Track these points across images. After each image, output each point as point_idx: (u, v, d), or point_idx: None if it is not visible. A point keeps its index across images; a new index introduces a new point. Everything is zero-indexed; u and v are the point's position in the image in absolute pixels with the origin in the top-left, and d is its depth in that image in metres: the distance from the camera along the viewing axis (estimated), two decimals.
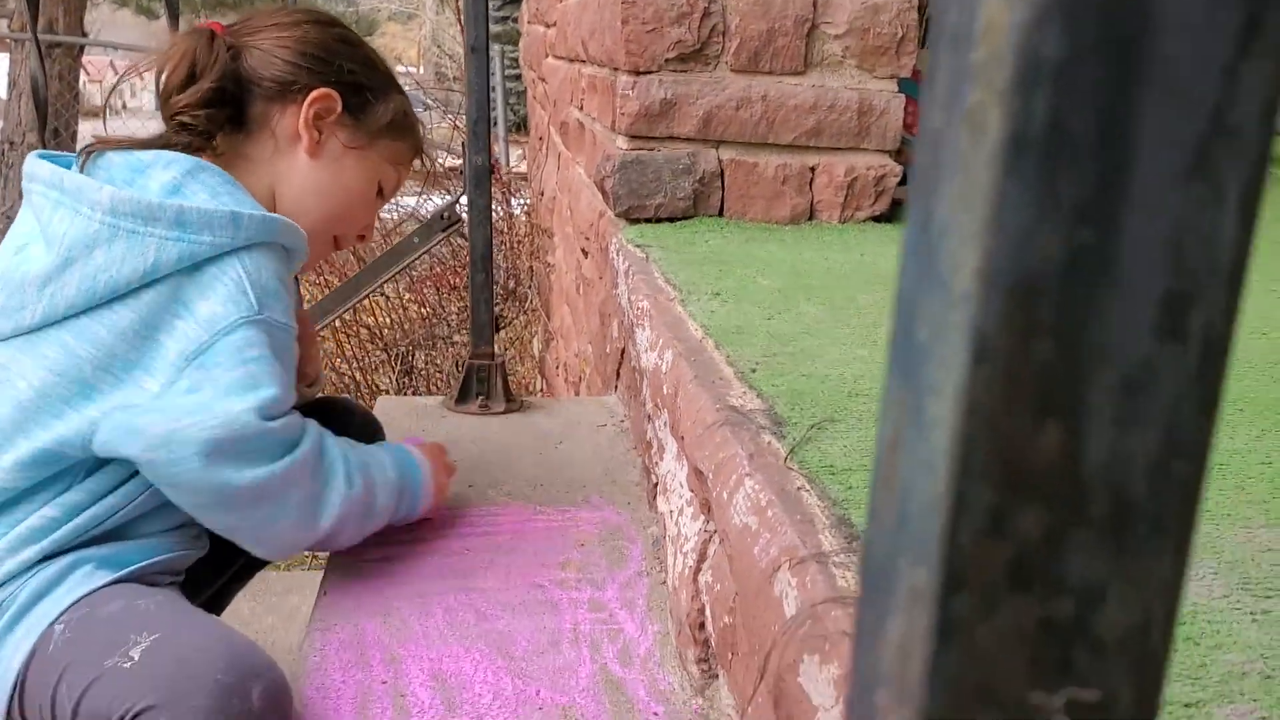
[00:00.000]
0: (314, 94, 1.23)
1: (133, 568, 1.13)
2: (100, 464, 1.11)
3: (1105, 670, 0.22)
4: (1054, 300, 0.20)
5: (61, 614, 1.06)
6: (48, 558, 1.09)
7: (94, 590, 1.08)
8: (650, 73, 1.94)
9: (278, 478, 1.11)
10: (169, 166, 1.15)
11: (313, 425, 1.19)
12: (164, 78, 1.23)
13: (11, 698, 1.05)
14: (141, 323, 1.08)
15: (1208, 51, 0.20)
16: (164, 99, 1.23)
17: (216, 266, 1.11)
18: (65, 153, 1.23)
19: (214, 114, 1.21)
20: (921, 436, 0.22)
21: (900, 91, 2.04)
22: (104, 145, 1.17)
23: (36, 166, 1.15)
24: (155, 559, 1.16)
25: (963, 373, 0.21)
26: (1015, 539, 0.21)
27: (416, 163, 1.42)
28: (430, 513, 1.37)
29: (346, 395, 3.54)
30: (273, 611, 1.89)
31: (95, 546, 1.12)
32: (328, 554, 1.35)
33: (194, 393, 1.08)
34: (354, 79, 1.28)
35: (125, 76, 1.36)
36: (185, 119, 1.20)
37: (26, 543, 1.09)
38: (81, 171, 1.14)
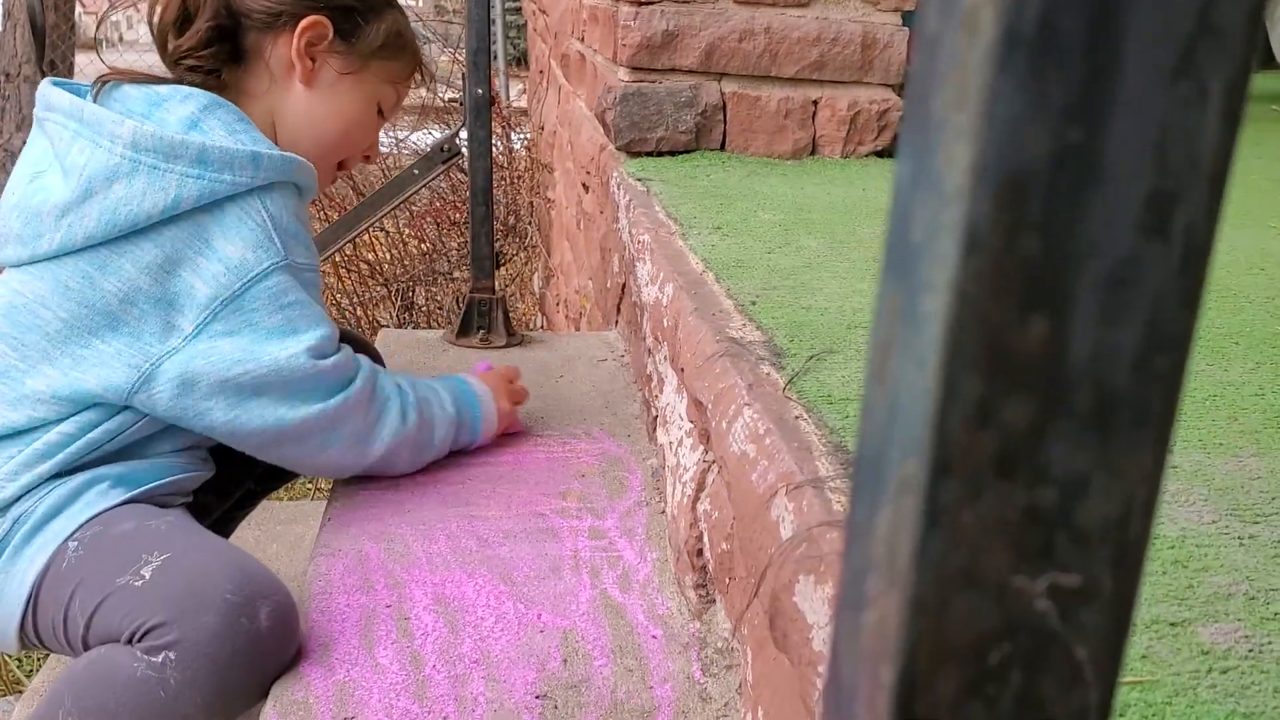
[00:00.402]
0: (304, 22, 1.22)
1: (146, 487, 1.16)
2: None
3: (1086, 556, 0.23)
4: (1042, 196, 0.21)
5: (75, 531, 1.09)
6: (63, 474, 1.12)
7: (108, 509, 1.11)
8: (652, 3, 1.93)
9: (330, 413, 1.17)
10: (186, 101, 1.15)
11: (366, 362, 1.24)
12: (157, 16, 1.22)
13: (26, 611, 1.08)
14: (165, 258, 1.10)
15: None
16: (160, 40, 1.22)
17: (238, 206, 1.12)
18: (79, 81, 1.23)
19: (216, 51, 1.21)
20: (914, 332, 0.23)
21: (904, 25, 2.02)
22: (119, 76, 1.18)
23: (54, 95, 1.15)
24: (166, 479, 1.19)
25: (954, 266, 0.22)
26: (1001, 429, 0.22)
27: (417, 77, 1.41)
28: (496, 438, 1.43)
29: (346, 329, 3.55)
30: (277, 540, 1.91)
31: (109, 465, 1.15)
32: (331, 484, 1.37)
33: (232, 336, 1.11)
34: (343, 2, 1.26)
35: (117, 6, 1.35)
36: (191, 62, 1.20)
37: (43, 458, 1.12)
38: (95, 102, 1.14)
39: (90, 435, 1.13)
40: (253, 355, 1.11)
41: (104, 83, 1.17)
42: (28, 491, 1.11)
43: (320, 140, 1.28)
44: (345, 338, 1.55)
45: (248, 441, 1.18)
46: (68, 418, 1.13)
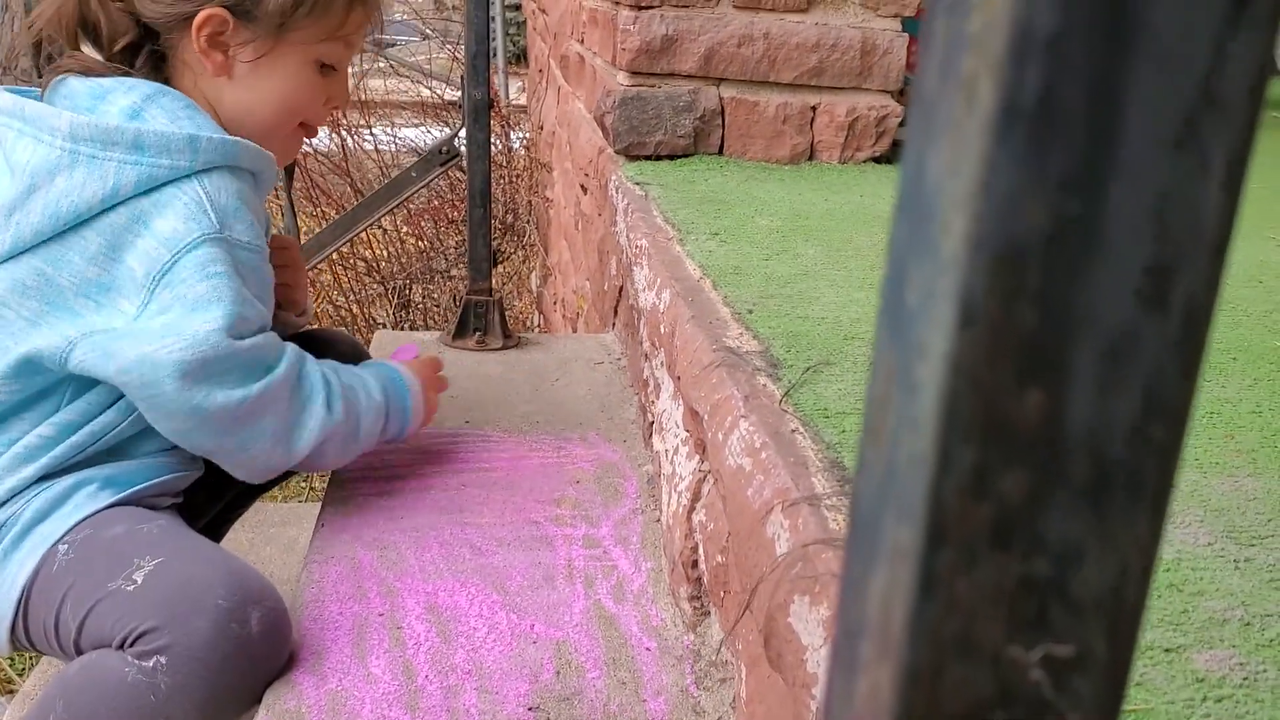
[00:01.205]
0: (196, 21, 1.15)
1: (135, 488, 1.16)
2: (90, 384, 1.13)
3: (1081, 627, 0.23)
4: (1039, 267, 0.21)
5: (65, 534, 1.09)
6: (49, 476, 1.12)
7: (97, 511, 1.11)
8: (652, 8, 1.92)
9: (251, 400, 1.10)
10: (130, 91, 1.13)
11: (291, 348, 1.18)
12: (64, 36, 1.17)
13: (16, 614, 1.08)
14: (107, 245, 1.09)
15: (1197, 24, 0.20)
16: (71, 46, 1.18)
17: (175, 187, 1.10)
18: (26, 88, 1.21)
19: (141, 61, 1.18)
20: (909, 396, 0.22)
21: (904, 31, 2.02)
22: (68, 68, 1.16)
23: (1, 98, 1.14)
24: (155, 479, 1.19)
25: (949, 335, 0.21)
26: (997, 499, 0.22)
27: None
28: (417, 431, 1.35)
29: (337, 328, 3.55)
30: (271, 542, 1.91)
31: (96, 466, 1.15)
32: (325, 488, 1.37)
33: (163, 313, 1.08)
34: None
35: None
36: (110, 67, 1.17)
37: (25, 461, 1.11)
38: (43, 99, 1.14)
39: (73, 438, 1.12)
40: (175, 329, 1.06)
41: (53, 76, 1.15)
42: (14, 495, 1.10)
43: (262, 122, 1.23)
44: (328, 337, 1.54)
45: (166, 426, 1.12)
46: (46, 417, 1.12)
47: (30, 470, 1.11)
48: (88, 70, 1.15)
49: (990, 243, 0.21)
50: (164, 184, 1.10)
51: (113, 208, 1.09)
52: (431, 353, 1.48)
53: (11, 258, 1.10)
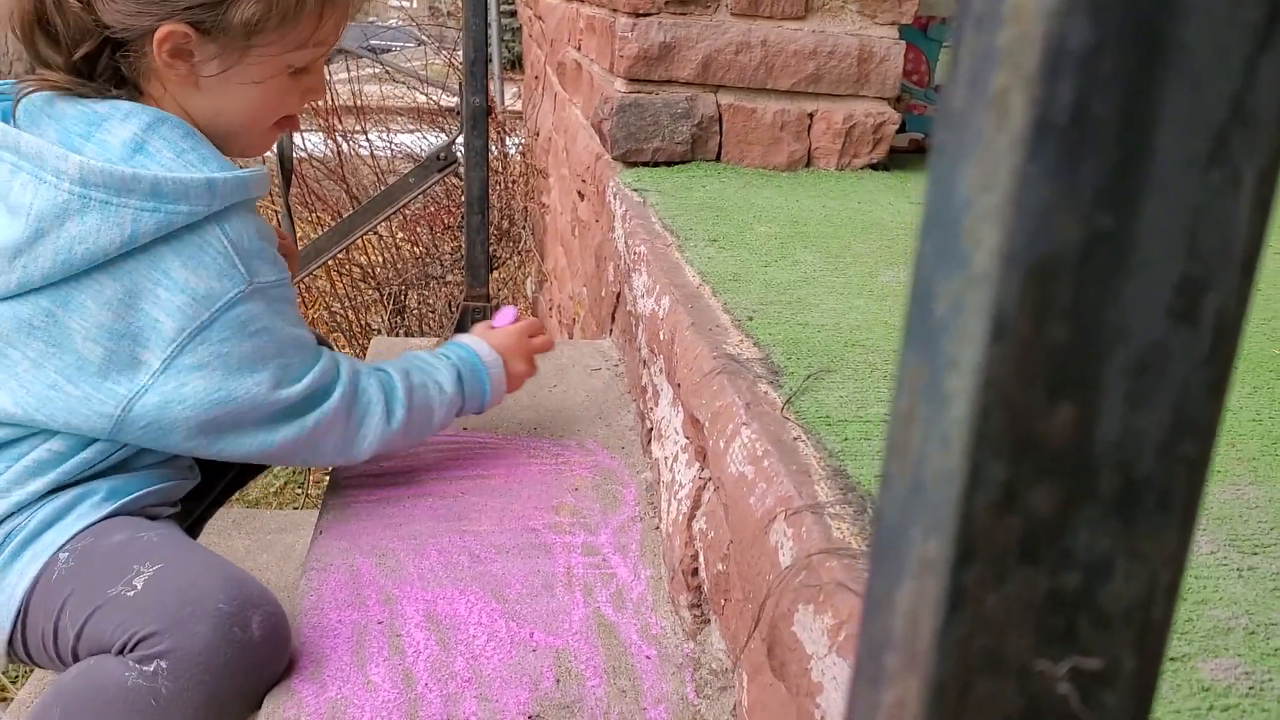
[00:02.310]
0: (156, 36, 1.10)
1: (135, 495, 1.16)
2: None
3: (1109, 640, 0.23)
4: (1071, 282, 0.21)
5: (67, 542, 1.09)
6: (56, 490, 1.12)
7: (99, 520, 1.11)
8: (650, 15, 1.92)
9: (308, 430, 1.17)
10: (127, 120, 1.10)
11: (345, 368, 1.22)
12: (21, 38, 1.12)
13: (15, 624, 1.07)
14: (125, 291, 1.06)
15: (1229, 42, 0.20)
16: (34, 53, 1.12)
17: (197, 235, 1.08)
18: None
19: (106, 68, 1.13)
20: (937, 409, 0.22)
21: (901, 38, 2.02)
22: (42, 85, 1.11)
23: None
24: (155, 487, 1.19)
25: (980, 349, 0.21)
26: (1026, 513, 0.22)
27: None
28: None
29: (325, 337, 3.54)
30: (268, 549, 1.90)
31: (101, 479, 1.15)
32: (322, 494, 1.37)
33: (201, 369, 1.09)
34: (192, 0, 1.11)
35: None
36: (79, 82, 1.12)
37: (34, 475, 1.11)
38: (16, 116, 1.09)
39: (82, 454, 1.12)
40: (225, 392, 1.10)
41: (25, 92, 1.10)
42: (21, 508, 1.10)
43: (233, 126, 1.20)
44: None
45: (234, 460, 1.21)
46: (57, 434, 1.11)
47: (38, 484, 1.11)
48: (57, 86, 1.10)
49: (1022, 257, 0.21)
50: (182, 228, 1.08)
51: (130, 253, 1.07)
52: (537, 320, 1.52)
53: (15, 297, 1.07)
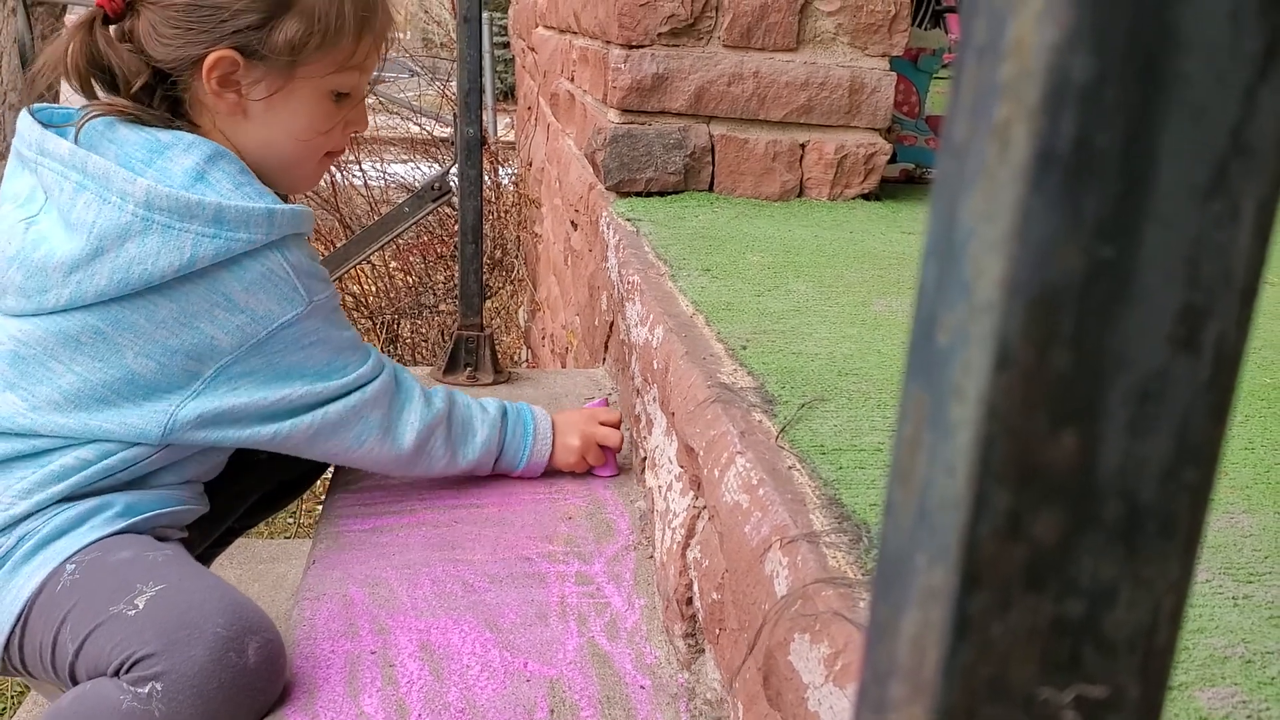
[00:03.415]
0: (206, 64, 1.14)
1: (147, 514, 1.17)
2: None
3: (1113, 668, 0.23)
4: (1073, 311, 0.21)
5: (75, 553, 1.10)
6: (74, 497, 1.14)
7: (109, 534, 1.13)
8: (643, 47, 1.94)
9: (352, 409, 1.24)
10: (189, 150, 1.13)
11: (388, 361, 1.31)
12: (75, 81, 1.16)
13: (14, 629, 1.07)
14: (180, 312, 1.11)
15: (1229, 74, 0.20)
16: (86, 93, 1.17)
17: (257, 262, 1.13)
18: (54, 105, 1.20)
19: (162, 101, 1.17)
20: (942, 438, 0.23)
21: (891, 70, 2.04)
22: (107, 110, 1.14)
23: (50, 142, 1.11)
24: (168, 509, 1.20)
25: (984, 378, 0.21)
26: (1031, 541, 0.22)
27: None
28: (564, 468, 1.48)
29: None
30: (259, 579, 1.89)
31: (118, 492, 1.17)
32: (315, 523, 1.36)
33: (251, 376, 1.15)
34: (244, 21, 1.15)
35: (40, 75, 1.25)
36: (145, 110, 1.16)
37: (58, 479, 1.13)
38: (78, 138, 1.12)
39: (106, 462, 1.14)
40: (275, 388, 1.17)
41: (90, 117, 1.13)
42: (40, 509, 1.11)
43: (283, 157, 1.24)
44: None
45: (286, 448, 1.24)
46: (88, 443, 1.13)
47: (60, 488, 1.12)
48: (123, 112, 1.14)
49: (1026, 287, 0.21)
50: (241, 255, 1.12)
51: (186, 276, 1.10)
52: (615, 411, 1.53)
53: (64, 312, 1.10)
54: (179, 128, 1.16)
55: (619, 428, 1.48)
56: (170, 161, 1.12)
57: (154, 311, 1.10)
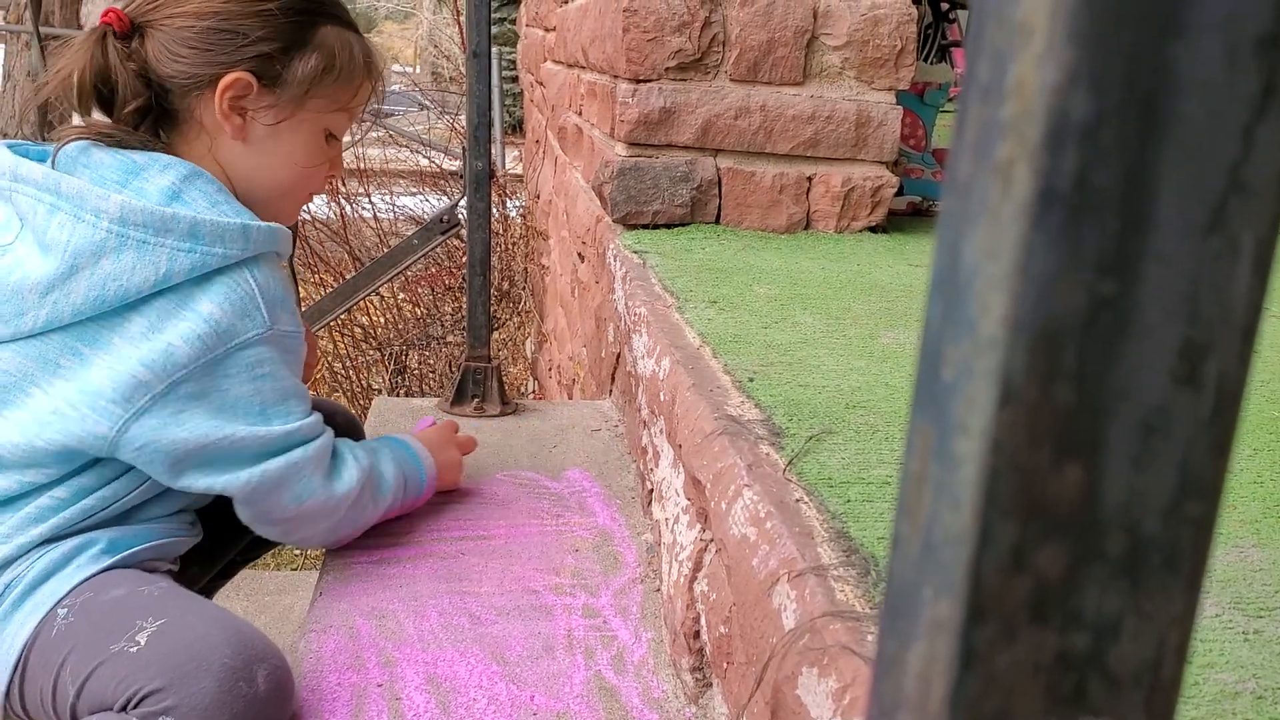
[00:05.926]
0: (222, 83, 1.15)
1: (136, 549, 1.16)
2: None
3: (1118, 701, 0.23)
4: (1076, 347, 0.21)
5: (65, 596, 1.08)
6: (56, 538, 1.12)
7: (97, 573, 1.11)
8: (650, 81, 1.95)
9: (292, 465, 1.18)
10: (165, 171, 1.13)
11: (328, 429, 1.26)
12: (74, 94, 1.17)
13: (12, 678, 1.06)
14: (149, 325, 1.09)
15: (1227, 113, 0.21)
16: (83, 109, 1.18)
17: (228, 277, 1.12)
18: (27, 142, 1.20)
19: (148, 124, 1.18)
20: (948, 472, 0.23)
21: (898, 104, 2.05)
22: (82, 135, 1.14)
23: (23, 167, 1.12)
24: (156, 542, 1.19)
25: (989, 413, 0.22)
26: (1036, 574, 0.22)
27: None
28: (446, 487, 1.48)
29: (334, 401, 3.55)
30: (265, 611, 1.89)
31: (101, 530, 1.15)
32: (322, 555, 1.36)
33: (200, 400, 1.11)
34: (264, 47, 1.18)
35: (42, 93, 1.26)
36: (125, 132, 1.16)
37: (36, 521, 1.11)
38: (55, 164, 1.12)
39: (84, 502, 1.12)
40: (218, 424, 1.12)
41: (63, 143, 1.13)
42: (22, 554, 1.10)
43: (276, 187, 1.24)
44: (328, 409, 1.55)
45: (216, 491, 1.18)
46: (61, 481, 1.12)
47: (40, 530, 1.11)
48: (102, 135, 1.14)
49: (1028, 323, 0.21)
50: (214, 271, 1.11)
51: (161, 292, 1.09)
52: (447, 419, 1.57)
53: (40, 334, 1.10)
54: (157, 149, 1.16)
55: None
56: (146, 181, 1.12)
57: (127, 329, 1.09)
